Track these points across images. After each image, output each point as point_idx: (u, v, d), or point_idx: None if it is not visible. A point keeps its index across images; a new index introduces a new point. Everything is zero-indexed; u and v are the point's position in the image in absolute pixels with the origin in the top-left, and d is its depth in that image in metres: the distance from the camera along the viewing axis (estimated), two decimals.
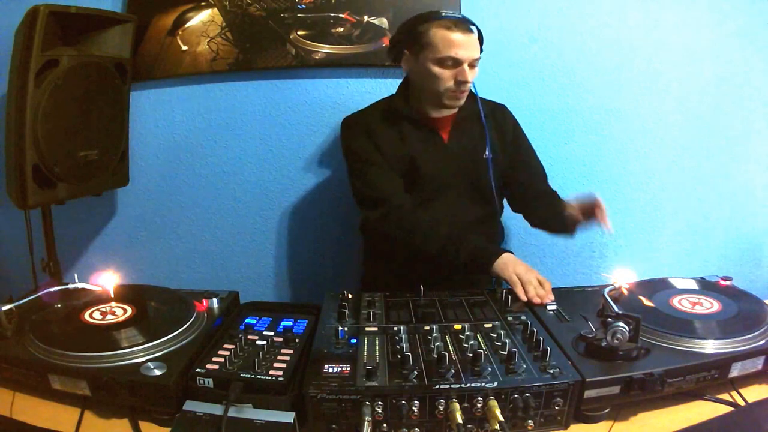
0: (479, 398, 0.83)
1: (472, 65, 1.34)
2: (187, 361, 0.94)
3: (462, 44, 1.31)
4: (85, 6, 1.53)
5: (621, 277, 1.13)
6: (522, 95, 1.81)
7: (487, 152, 1.46)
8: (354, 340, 0.98)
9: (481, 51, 1.38)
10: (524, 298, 1.18)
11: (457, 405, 0.82)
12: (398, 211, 1.37)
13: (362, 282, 1.66)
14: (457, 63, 1.33)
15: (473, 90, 1.44)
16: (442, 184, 1.46)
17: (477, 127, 1.48)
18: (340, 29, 1.77)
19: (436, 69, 1.34)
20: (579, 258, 1.99)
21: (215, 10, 1.78)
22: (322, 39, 1.78)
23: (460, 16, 1.35)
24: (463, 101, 1.40)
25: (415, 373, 0.86)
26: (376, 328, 1.04)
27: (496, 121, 1.51)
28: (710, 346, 0.94)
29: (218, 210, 1.99)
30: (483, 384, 0.84)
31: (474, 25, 1.35)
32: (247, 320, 1.09)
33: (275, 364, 0.92)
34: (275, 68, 1.82)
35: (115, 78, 1.64)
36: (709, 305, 1.10)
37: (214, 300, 1.17)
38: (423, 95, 1.42)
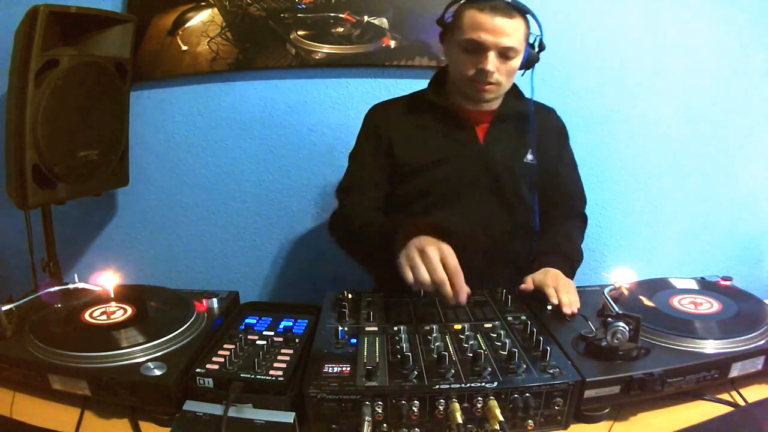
0: (479, 398, 0.83)
1: (503, 55, 1.19)
2: (187, 361, 0.93)
3: (489, 27, 1.15)
4: (85, 6, 1.53)
5: (621, 277, 1.13)
6: None
7: (529, 156, 1.33)
8: (354, 340, 0.98)
9: (539, 46, 1.25)
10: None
11: (457, 405, 0.82)
12: (351, 206, 1.29)
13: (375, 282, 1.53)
14: (480, 48, 1.17)
15: (517, 87, 1.32)
16: (466, 185, 1.31)
17: (520, 127, 1.33)
18: (340, 29, 1.77)
19: (460, 54, 1.21)
20: None
21: (215, 10, 1.78)
22: (322, 39, 1.78)
23: None
24: (490, 97, 1.25)
25: (415, 373, 0.86)
26: (376, 328, 1.03)
27: (540, 125, 1.35)
28: (710, 346, 0.94)
29: (218, 210, 1.99)
30: (483, 384, 0.84)
31: (520, 10, 1.18)
32: (247, 320, 1.09)
33: (275, 364, 0.92)
34: (275, 68, 1.82)
35: (115, 78, 1.64)
36: (709, 305, 1.10)
37: (214, 300, 1.17)
38: (453, 85, 1.30)
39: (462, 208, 1.32)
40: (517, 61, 1.22)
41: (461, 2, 1.21)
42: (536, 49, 1.26)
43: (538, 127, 1.33)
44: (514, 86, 1.33)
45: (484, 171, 1.31)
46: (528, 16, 1.21)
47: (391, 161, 1.34)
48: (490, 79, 1.20)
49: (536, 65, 1.28)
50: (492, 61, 1.18)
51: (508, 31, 1.16)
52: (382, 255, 1.09)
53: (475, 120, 1.32)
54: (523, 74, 1.30)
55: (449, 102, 1.32)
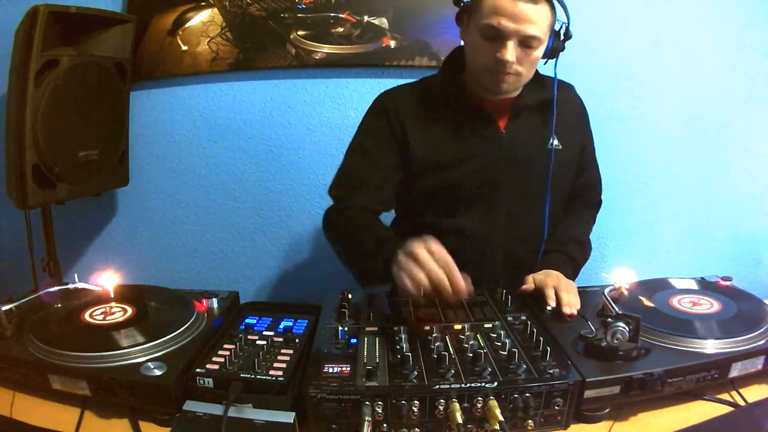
0: (479, 398, 0.83)
1: (525, 44, 1.08)
2: (187, 361, 0.93)
3: (510, 13, 1.04)
4: (85, 6, 1.53)
5: (621, 277, 1.13)
6: None
7: (554, 142, 1.23)
8: (354, 340, 0.98)
9: (565, 35, 1.15)
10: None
11: (457, 405, 0.82)
12: (349, 208, 1.19)
13: None
14: (499, 36, 1.07)
15: (537, 71, 1.21)
16: (487, 183, 1.22)
17: (543, 114, 1.24)
18: (340, 29, 1.77)
19: (477, 39, 1.11)
20: None
21: (215, 10, 1.78)
22: (322, 39, 1.78)
23: None
24: (507, 88, 1.16)
25: (415, 373, 0.86)
26: (376, 328, 1.03)
27: (562, 107, 1.25)
28: (710, 346, 0.94)
29: (218, 210, 1.99)
30: (483, 384, 0.84)
31: None
32: (247, 320, 1.09)
33: (275, 364, 0.92)
34: (275, 68, 1.83)
35: (115, 78, 1.64)
36: (709, 305, 1.10)
37: (214, 300, 1.17)
38: (469, 72, 1.20)
39: (482, 209, 1.24)
40: (539, 51, 1.12)
41: None
42: (561, 38, 1.16)
43: (560, 110, 1.24)
44: (535, 71, 1.23)
45: (506, 166, 1.22)
46: (554, 1, 1.11)
47: (404, 156, 1.23)
48: (509, 70, 1.11)
49: (543, 68, 1.22)
50: (511, 51, 1.08)
51: (532, 18, 1.06)
52: (374, 267, 1.03)
53: (494, 110, 1.22)
54: (545, 63, 1.21)
55: (467, 91, 1.22)
